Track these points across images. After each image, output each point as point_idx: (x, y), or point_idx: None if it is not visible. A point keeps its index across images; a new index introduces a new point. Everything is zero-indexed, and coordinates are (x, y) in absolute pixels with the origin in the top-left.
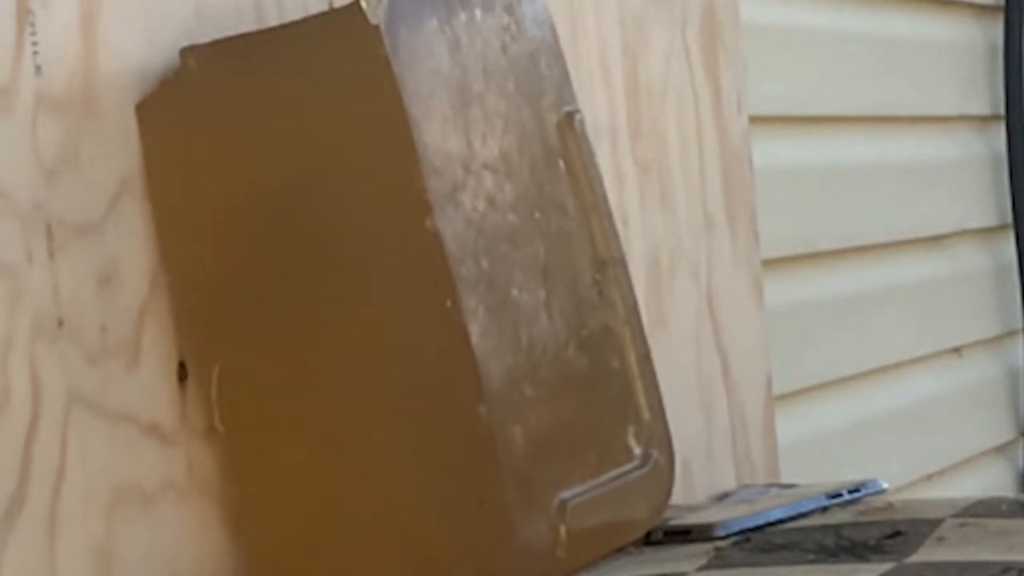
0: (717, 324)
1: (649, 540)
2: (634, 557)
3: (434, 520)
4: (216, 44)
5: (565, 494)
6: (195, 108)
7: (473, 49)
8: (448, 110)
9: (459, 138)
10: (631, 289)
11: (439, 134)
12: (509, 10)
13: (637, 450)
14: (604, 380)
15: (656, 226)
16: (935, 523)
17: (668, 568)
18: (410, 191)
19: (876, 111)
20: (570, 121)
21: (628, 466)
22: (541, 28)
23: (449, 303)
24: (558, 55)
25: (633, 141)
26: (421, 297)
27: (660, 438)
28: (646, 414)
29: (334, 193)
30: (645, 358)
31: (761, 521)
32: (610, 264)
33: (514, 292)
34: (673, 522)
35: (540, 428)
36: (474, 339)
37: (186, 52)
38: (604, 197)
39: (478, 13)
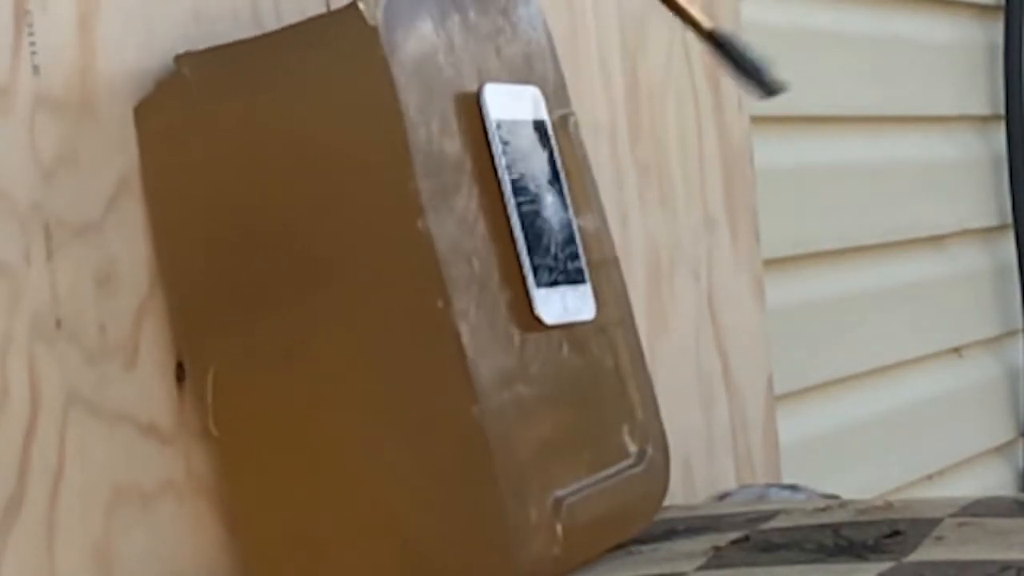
0: (718, 324)
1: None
2: (633, 557)
3: (428, 520)
4: (211, 51)
5: (560, 492)
6: (191, 111)
7: (467, 51)
8: (442, 113)
9: (453, 140)
10: (624, 288)
11: (433, 136)
12: (504, 13)
13: (632, 448)
14: (598, 379)
15: (656, 226)
16: (934, 523)
17: (667, 568)
18: (403, 193)
19: (876, 111)
20: (564, 124)
21: (623, 464)
22: (535, 31)
23: (440, 304)
24: (552, 57)
25: (633, 141)
26: (412, 298)
27: (655, 436)
28: (640, 412)
29: (329, 195)
30: (638, 357)
31: None
32: (603, 265)
33: (505, 293)
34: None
35: (534, 428)
36: (465, 339)
37: (180, 59)
38: (597, 198)
39: (472, 16)
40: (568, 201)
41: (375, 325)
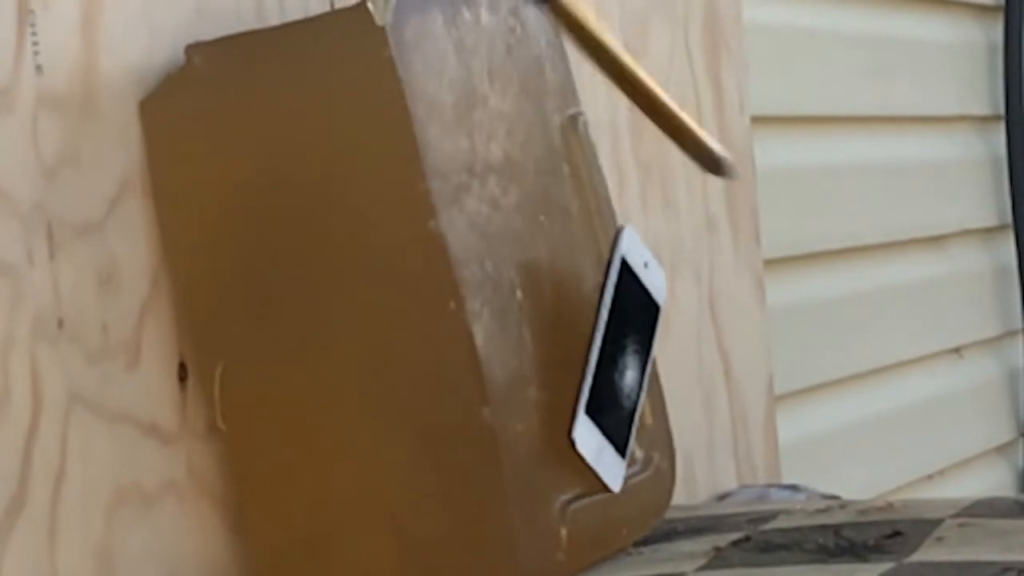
0: (719, 324)
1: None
2: (634, 558)
3: (435, 522)
4: (222, 41)
5: (566, 497)
6: (199, 106)
7: (478, 51)
8: (453, 112)
9: (463, 140)
10: None
11: (443, 136)
12: (514, 12)
13: (639, 453)
14: None
15: (658, 227)
16: (935, 523)
17: (668, 568)
18: (414, 193)
19: (876, 111)
20: (574, 123)
21: (629, 470)
22: (546, 30)
23: (453, 305)
24: (562, 57)
25: (635, 141)
26: (425, 299)
27: (662, 442)
28: (648, 418)
29: (338, 193)
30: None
31: None
32: None
33: (518, 294)
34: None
35: (543, 431)
36: (478, 341)
37: (191, 49)
38: (607, 199)
39: (484, 15)
40: (645, 382)
41: (386, 325)
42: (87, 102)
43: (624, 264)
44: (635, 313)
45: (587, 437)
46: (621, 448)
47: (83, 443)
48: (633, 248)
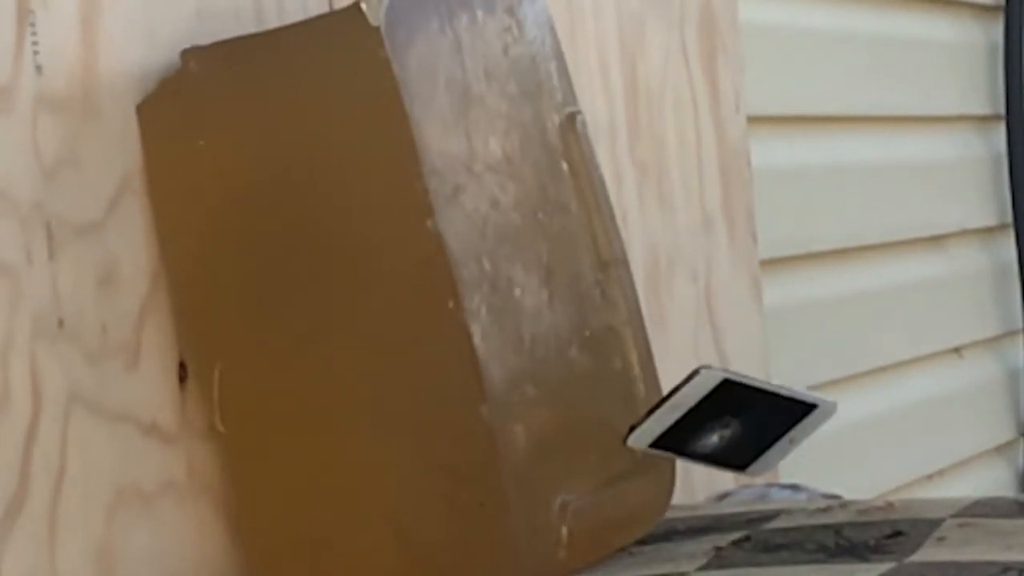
0: (716, 324)
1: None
2: (634, 557)
3: (435, 521)
4: (217, 46)
5: (567, 495)
6: (195, 109)
7: (475, 51)
8: (449, 112)
9: (461, 139)
10: (633, 289)
11: (440, 135)
12: (510, 12)
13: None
14: (606, 381)
15: (655, 226)
16: (935, 523)
17: (668, 568)
18: (412, 192)
19: (876, 111)
20: (572, 122)
21: (629, 467)
22: (542, 29)
23: (451, 304)
24: (559, 56)
25: (631, 141)
26: (423, 298)
27: None
28: None
29: (335, 194)
30: (647, 358)
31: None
32: (612, 264)
33: (516, 293)
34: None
35: (542, 429)
36: (476, 340)
37: (187, 53)
38: (606, 197)
39: (480, 15)
40: (688, 456)
41: (385, 324)
42: (87, 102)
43: (796, 426)
44: (739, 435)
45: (696, 388)
46: (657, 444)
47: (83, 443)
48: (806, 430)
